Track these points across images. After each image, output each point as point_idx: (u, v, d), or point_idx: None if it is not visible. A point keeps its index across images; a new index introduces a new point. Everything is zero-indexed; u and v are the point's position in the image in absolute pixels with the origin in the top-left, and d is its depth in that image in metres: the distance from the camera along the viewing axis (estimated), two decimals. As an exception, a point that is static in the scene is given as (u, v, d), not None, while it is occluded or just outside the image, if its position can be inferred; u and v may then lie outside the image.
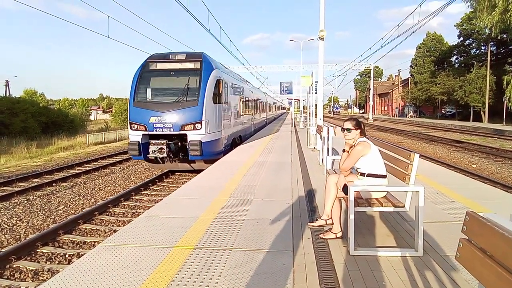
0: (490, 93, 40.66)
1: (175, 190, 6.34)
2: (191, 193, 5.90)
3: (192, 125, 9.68)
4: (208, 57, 10.86)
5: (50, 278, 3.46)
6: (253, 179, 6.95)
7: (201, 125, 9.69)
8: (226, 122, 11.70)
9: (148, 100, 10.30)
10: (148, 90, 10.51)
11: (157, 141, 9.66)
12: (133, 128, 9.95)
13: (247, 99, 17.79)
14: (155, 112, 9.75)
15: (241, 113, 15.58)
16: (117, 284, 2.85)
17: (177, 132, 9.74)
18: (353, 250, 3.38)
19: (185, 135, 9.79)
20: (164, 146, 9.56)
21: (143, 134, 9.84)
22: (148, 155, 9.78)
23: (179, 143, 10.13)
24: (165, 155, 9.56)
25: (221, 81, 10.91)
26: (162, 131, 9.69)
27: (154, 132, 9.75)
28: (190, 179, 7.29)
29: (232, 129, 12.94)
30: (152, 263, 3.22)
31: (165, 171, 11.53)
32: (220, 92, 10.90)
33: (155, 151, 9.57)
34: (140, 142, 9.79)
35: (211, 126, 10.05)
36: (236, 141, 13.70)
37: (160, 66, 10.58)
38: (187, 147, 9.68)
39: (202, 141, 9.61)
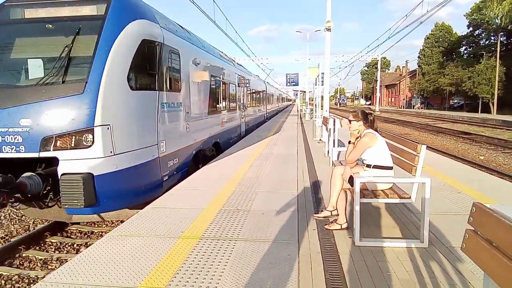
0: (499, 84, 40.07)
1: (181, 182, 6.37)
2: (197, 185, 5.94)
3: (71, 138, 4.48)
4: None
5: (59, 267, 3.53)
6: (259, 170, 6.96)
7: (93, 136, 4.50)
8: (173, 126, 6.42)
9: None
10: None
11: None
12: None
13: (233, 86, 12.45)
14: None
15: (219, 108, 10.26)
16: (125, 273, 2.89)
17: (34, 155, 4.47)
18: (358, 241, 3.38)
19: (56, 159, 4.48)
20: None
21: None
22: None
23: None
24: None
25: (158, 45, 5.76)
26: (3, 151, 4.49)
27: None
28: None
29: (194, 136, 7.52)
30: (158, 252, 3.26)
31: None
32: (156, 66, 5.73)
33: None
34: None
35: (123, 138, 4.87)
36: (206, 154, 8.55)
37: (29, 13, 5.30)
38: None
39: (95, 175, 4.51)
